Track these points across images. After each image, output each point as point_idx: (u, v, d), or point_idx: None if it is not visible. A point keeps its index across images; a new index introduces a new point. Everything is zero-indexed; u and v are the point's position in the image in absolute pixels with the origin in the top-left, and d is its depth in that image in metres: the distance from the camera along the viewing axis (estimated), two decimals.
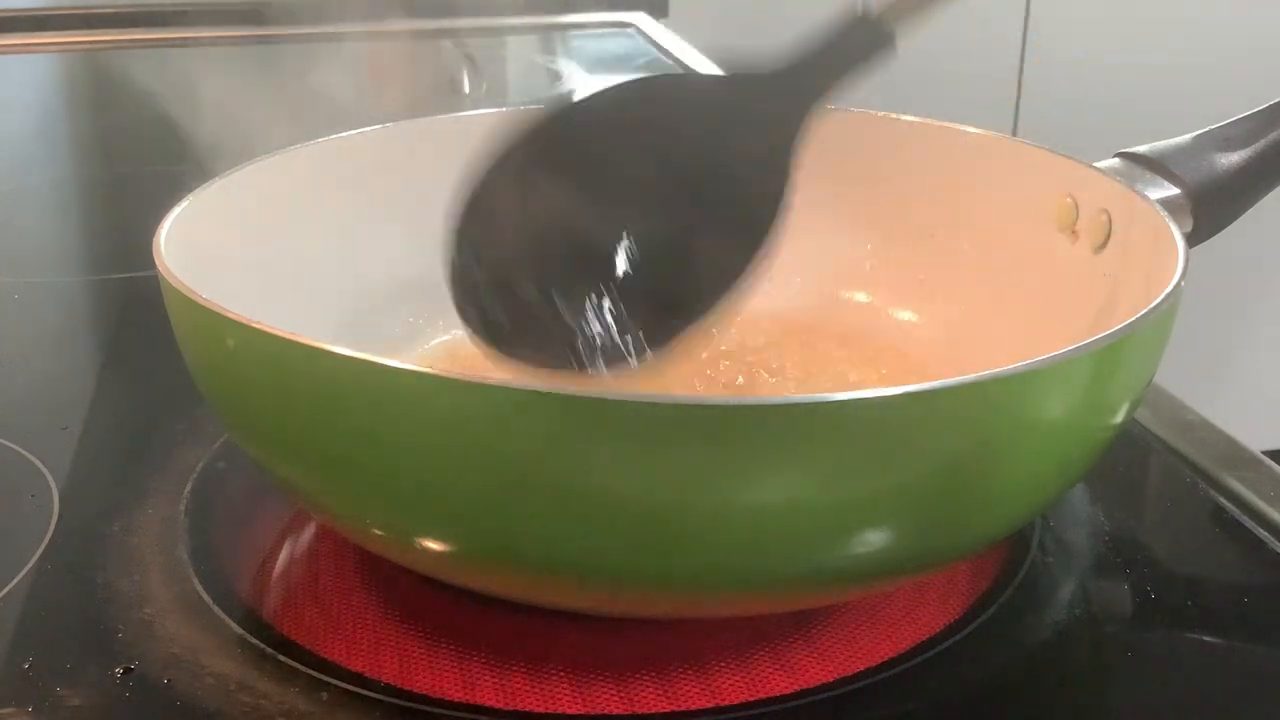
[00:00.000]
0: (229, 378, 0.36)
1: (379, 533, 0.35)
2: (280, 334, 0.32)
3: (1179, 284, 0.36)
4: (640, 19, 1.18)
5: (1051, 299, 0.46)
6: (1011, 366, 0.31)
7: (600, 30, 1.18)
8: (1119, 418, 0.36)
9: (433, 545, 0.34)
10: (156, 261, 0.37)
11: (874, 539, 0.32)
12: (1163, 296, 0.35)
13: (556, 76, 1.05)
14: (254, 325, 0.33)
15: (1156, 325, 0.34)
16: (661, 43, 1.10)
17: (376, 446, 0.32)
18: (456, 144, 0.52)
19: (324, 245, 0.47)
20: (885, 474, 0.31)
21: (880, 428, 0.30)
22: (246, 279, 0.42)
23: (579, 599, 0.35)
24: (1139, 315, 0.34)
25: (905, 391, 0.30)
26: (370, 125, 0.50)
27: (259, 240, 0.45)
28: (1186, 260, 0.37)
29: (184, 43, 1.10)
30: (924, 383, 0.30)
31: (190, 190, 0.42)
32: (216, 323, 0.34)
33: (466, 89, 1.00)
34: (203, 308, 0.34)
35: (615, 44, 1.15)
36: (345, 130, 0.49)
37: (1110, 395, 0.35)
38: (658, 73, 1.04)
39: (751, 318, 0.52)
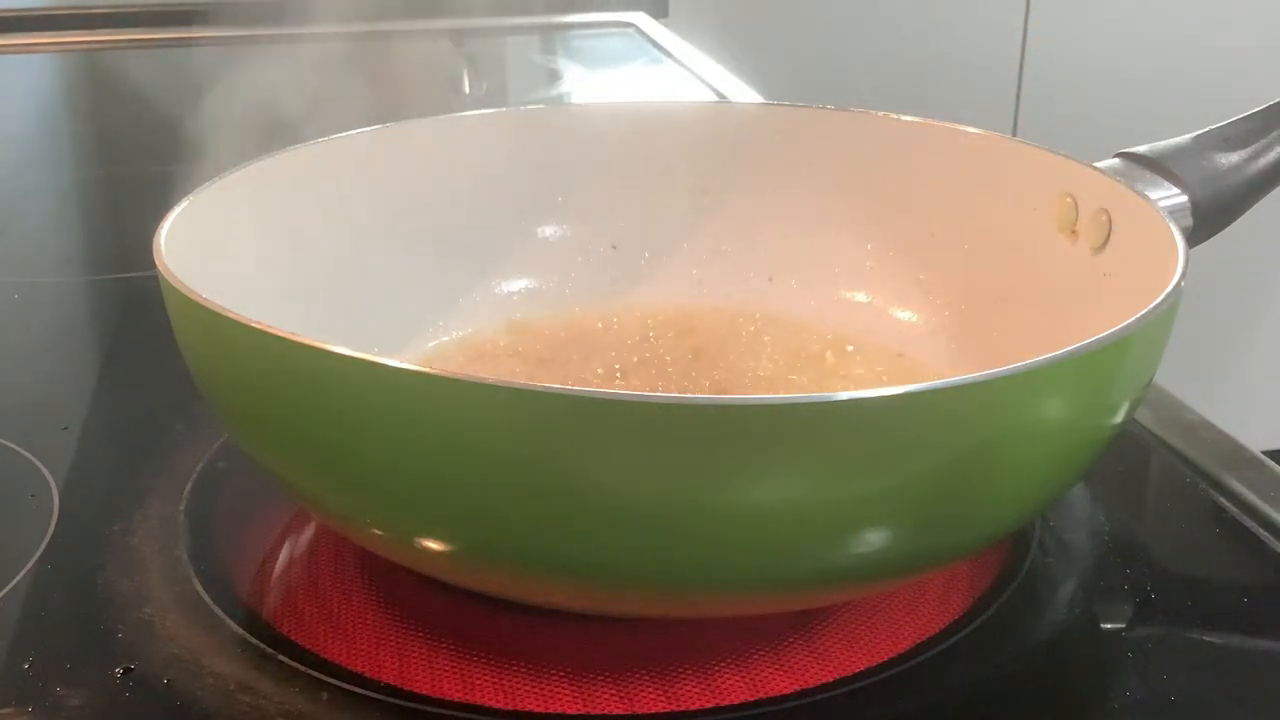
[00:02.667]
0: (229, 378, 0.36)
1: (378, 532, 0.35)
2: (280, 334, 0.32)
3: (1179, 284, 0.36)
4: (640, 19, 1.18)
5: (1051, 299, 0.46)
6: (1012, 366, 0.31)
7: (600, 30, 1.18)
8: (1119, 418, 0.36)
9: (432, 545, 0.34)
10: (157, 261, 0.37)
11: (875, 539, 0.32)
12: (1163, 296, 0.35)
13: (556, 76, 1.05)
14: (254, 325, 0.32)
15: (1156, 325, 0.34)
16: (661, 43, 1.10)
17: (376, 446, 0.32)
18: (455, 144, 0.52)
19: (324, 245, 0.47)
20: (886, 474, 0.31)
21: (882, 427, 0.30)
22: (246, 279, 0.42)
23: (578, 599, 0.35)
24: (1139, 315, 0.34)
25: (906, 391, 0.30)
26: (369, 126, 0.50)
27: (259, 240, 0.45)
28: (1186, 260, 0.37)
29: (184, 43, 1.10)
30: (925, 383, 0.30)
31: (190, 190, 0.42)
32: (216, 322, 0.34)
33: (466, 89, 1.00)
34: (203, 307, 0.34)
35: (615, 44, 1.15)
36: (343, 131, 0.49)
37: (1111, 395, 0.35)
38: (657, 72, 1.04)
39: (750, 318, 0.52)
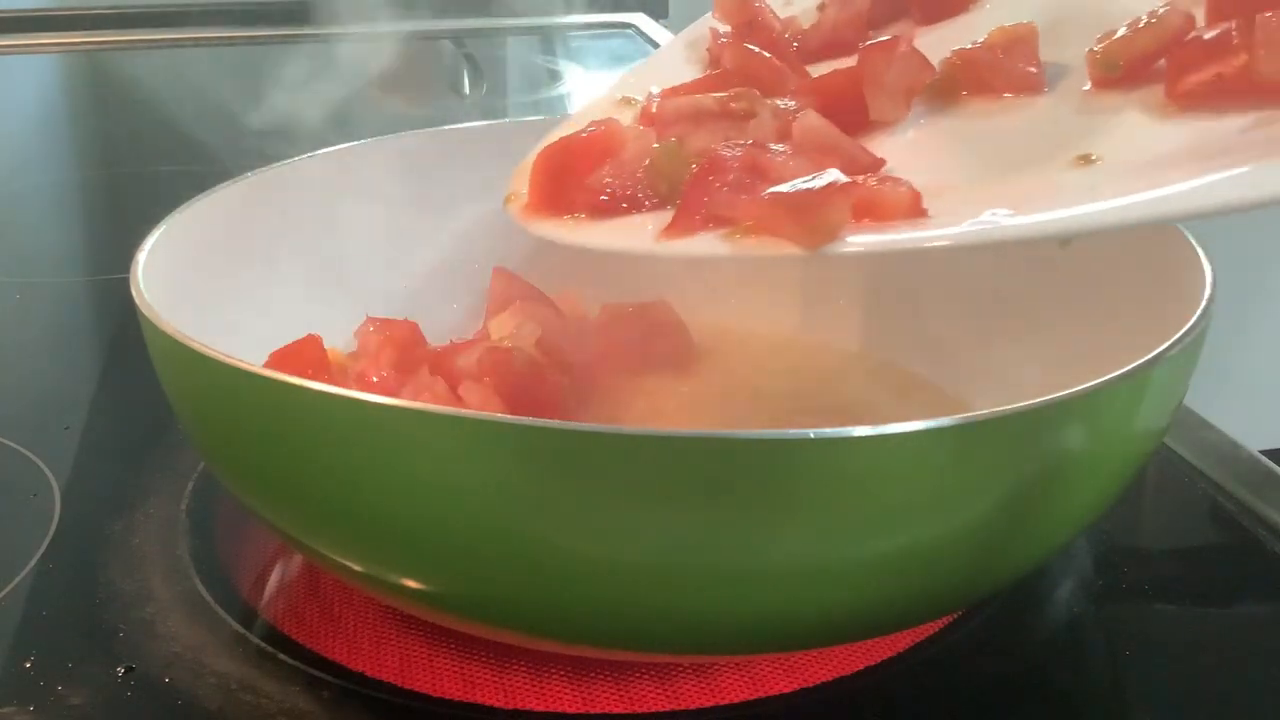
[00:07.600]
0: (202, 410, 0.35)
1: (358, 569, 0.34)
2: (252, 370, 0.31)
3: (1211, 297, 0.35)
4: (640, 19, 1.18)
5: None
6: (1071, 390, 0.29)
7: (600, 30, 1.18)
8: (1165, 431, 0.35)
9: (412, 585, 0.33)
10: (135, 295, 0.36)
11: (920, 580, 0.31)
12: (1201, 310, 0.34)
13: (556, 76, 1.05)
14: (228, 362, 0.31)
15: (1195, 344, 0.33)
16: (661, 43, 1.10)
17: (357, 485, 0.30)
18: (440, 160, 0.50)
19: (296, 269, 0.46)
20: (935, 513, 0.30)
21: (931, 462, 0.29)
22: (225, 303, 0.41)
23: (573, 651, 0.35)
24: (1187, 327, 0.33)
25: (956, 424, 0.28)
26: (343, 143, 0.49)
27: (235, 265, 0.44)
28: (1214, 282, 0.36)
29: (184, 43, 1.10)
30: (972, 414, 0.29)
31: (167, 215, 0.41)
32: (192, 359, 0.32)
33: (467, 89, 1.00)
34: (181, 344, 0.32)
35: (615, 44, 1.15)
36: (337, 137, 0.48)
37: (1155, 416, 0.34)
38: None
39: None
